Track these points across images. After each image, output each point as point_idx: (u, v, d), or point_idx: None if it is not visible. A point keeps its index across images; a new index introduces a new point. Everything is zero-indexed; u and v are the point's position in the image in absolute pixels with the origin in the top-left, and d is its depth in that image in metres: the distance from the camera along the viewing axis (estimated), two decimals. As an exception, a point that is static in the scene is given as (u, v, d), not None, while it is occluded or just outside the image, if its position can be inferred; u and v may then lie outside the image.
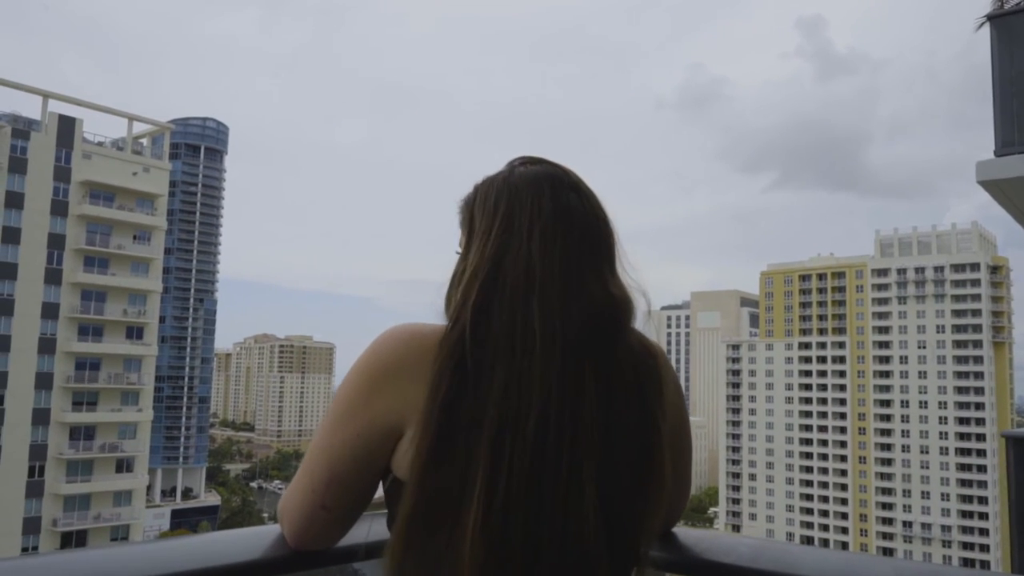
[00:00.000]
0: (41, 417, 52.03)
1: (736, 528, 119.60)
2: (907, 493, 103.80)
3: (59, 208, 53.88)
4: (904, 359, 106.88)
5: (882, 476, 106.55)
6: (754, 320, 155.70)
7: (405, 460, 1.03)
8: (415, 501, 0.98)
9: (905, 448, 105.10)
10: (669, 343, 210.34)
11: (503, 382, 1.00)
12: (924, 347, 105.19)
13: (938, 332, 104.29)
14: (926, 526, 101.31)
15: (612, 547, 1.01)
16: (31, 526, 50.57)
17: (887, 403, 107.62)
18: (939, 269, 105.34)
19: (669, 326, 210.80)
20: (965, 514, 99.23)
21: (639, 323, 1.18)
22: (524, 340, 1.03)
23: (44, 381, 52.37)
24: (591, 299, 1.09)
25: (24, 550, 49.81)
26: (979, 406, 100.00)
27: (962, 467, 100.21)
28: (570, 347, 1.04)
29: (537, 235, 1.10)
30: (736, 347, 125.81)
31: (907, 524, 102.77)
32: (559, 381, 1.02)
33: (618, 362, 1.09)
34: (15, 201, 51.91)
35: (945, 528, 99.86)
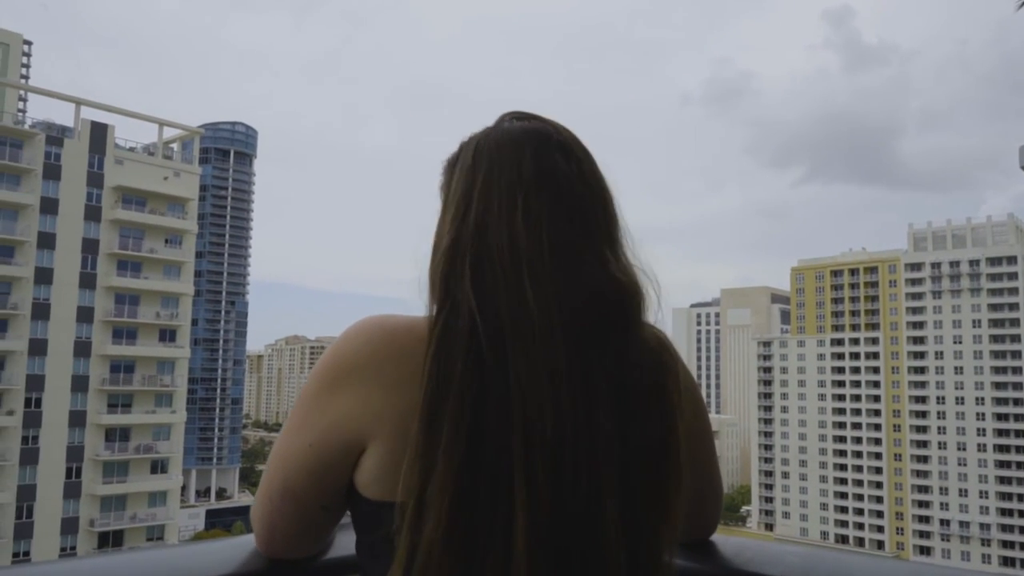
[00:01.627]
0: (78, 419, 52.86)
1: (769, 527, 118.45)
2: (944, 491, 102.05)
3: (92, 213, 54.69)
4: (939, 355, 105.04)
5: (918, 474, 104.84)
6: (785, 317, 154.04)
7: (370, 478, 0.91)
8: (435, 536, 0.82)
9: (942, 445, 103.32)
10: (699, 340, 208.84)
11: (522, 381, 0.87)
12: (960, 342, 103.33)
13: (974, 327, 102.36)
14: (964, 524, 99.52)
15: (635, 562, 0.89)
16: (69, 526, 51.40)
17: (922, 399, 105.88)
18: (974, 263, 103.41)
19: (699, 323, 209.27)
20: (1004, 512, 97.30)
21: (651, 315, 1.03)
22: (526, 328, 0.89)
23: (80, 384, 53.20)
24: (590, 282, 0.94)
25: (63, 550, 50.70)
26: (1017, 402, 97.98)
27: (1001, 464, 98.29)
28: (573, 338, 0.90)
29: (520, 203, 0.95)
30: (767, 344, 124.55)
31: (944, 523, 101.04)
32: (569, 380, 0.88)
33: (630, 358, 0.95)
34: (50, 207, 52.78)
35: (984, 526, 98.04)
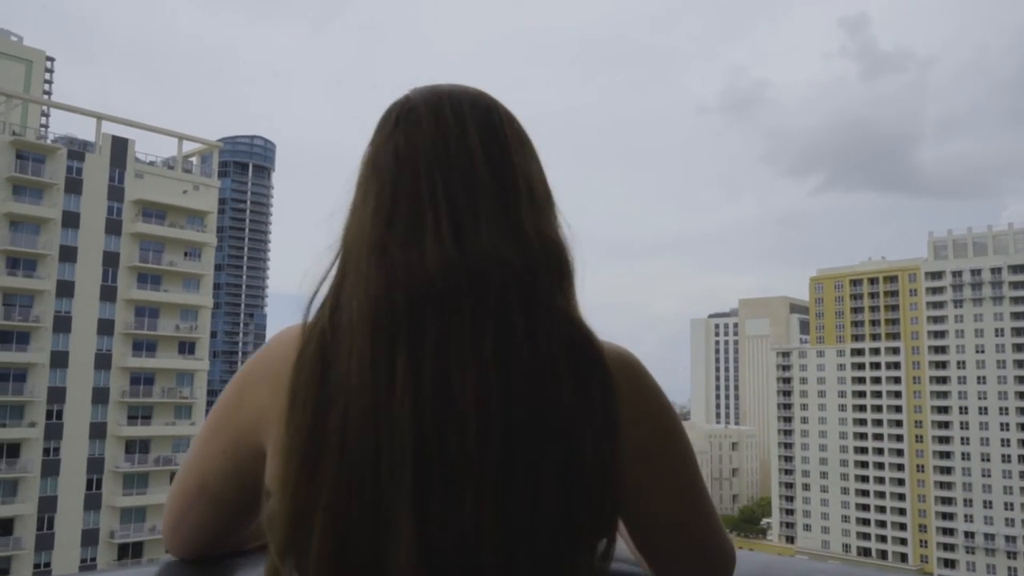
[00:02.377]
0: (98, 431, 53.24)
1: (790, 540, 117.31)
2: (968, 503, 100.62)
3: (113, 227, 55.26)
4: (962, 364, 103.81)
5: (942, 485, 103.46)
6: (804, 327, 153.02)
7: (273, 480, 0.85)
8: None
9: (965, 456, 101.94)
10: (717, 351, 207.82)
11: (355, 375, 0.80)
12: (982, 351, 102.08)
13: (997, 336, 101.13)
14: (989, 536, 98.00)
15: None
16: (90, 538, 51.70)
17: (945, 410, 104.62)
18: (996, 271, 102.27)
19: (717, 334, 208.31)
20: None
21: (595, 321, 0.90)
22: (357, 320, 0.82)
23: (100, 396, 53.62)
24: (450, 255, 0.83)
25: (83, 562, 50.95)
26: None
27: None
28: (417, 328, 0.80)
29: (375, 181, 0.90)
30: (786, 354, 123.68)
31: (969, 535, 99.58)
32: (415, 378, 0.79)
33: (515, 353, 0.80)
34: (71, 221, 53.38)
35: (1009, 539, 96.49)
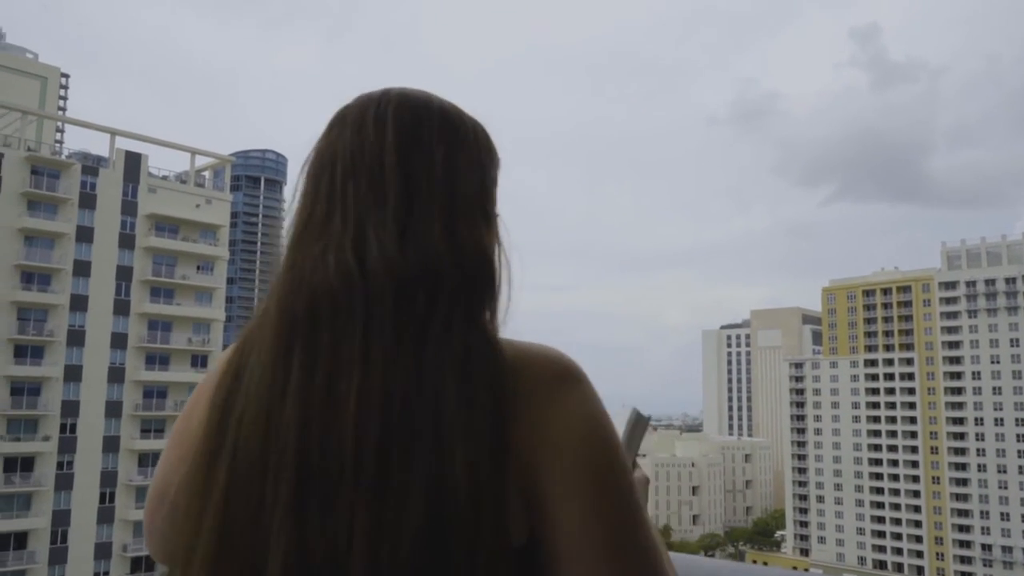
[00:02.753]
0: (111, 445, 53.43)
1: (804, 552, 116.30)
2: (985, 515, 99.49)
3: (126, 241, 55.64)
4: (977, 375, 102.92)
5: (958, 497, 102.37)
6: (817, 338, 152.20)
7: None
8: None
9: (981, 468, 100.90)
10: (729, 363, 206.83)
11: (254, 383, 0.82)
12: (997, 362, 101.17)
13: (1012, 346, 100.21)
14: (1007, 549, 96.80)
15: None
16: (103, 551, 51.79)
17: (960, 421, 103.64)
18: (1011, 280, 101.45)
19: (729, 345, 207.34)
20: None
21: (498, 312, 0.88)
22: (261, 334, 0.85)
23: (114, 409, 53.84)
24: (348, 263, 0.82)
25: (96, 575, 51.06)
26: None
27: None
28: (307, 330, 0.81)
29: (301, 185, 0.93)
30: (799, 365, 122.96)
31: (986, 547, 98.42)
32: (300, 394, 0.79)
33: (407, 361, 0.79)
34: (85, 235, 53.78)
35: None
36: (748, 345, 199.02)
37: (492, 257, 0.88)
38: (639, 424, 1.19)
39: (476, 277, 0.85)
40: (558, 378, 0.81)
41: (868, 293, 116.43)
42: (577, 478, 0.78)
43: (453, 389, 0.77)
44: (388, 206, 0.85)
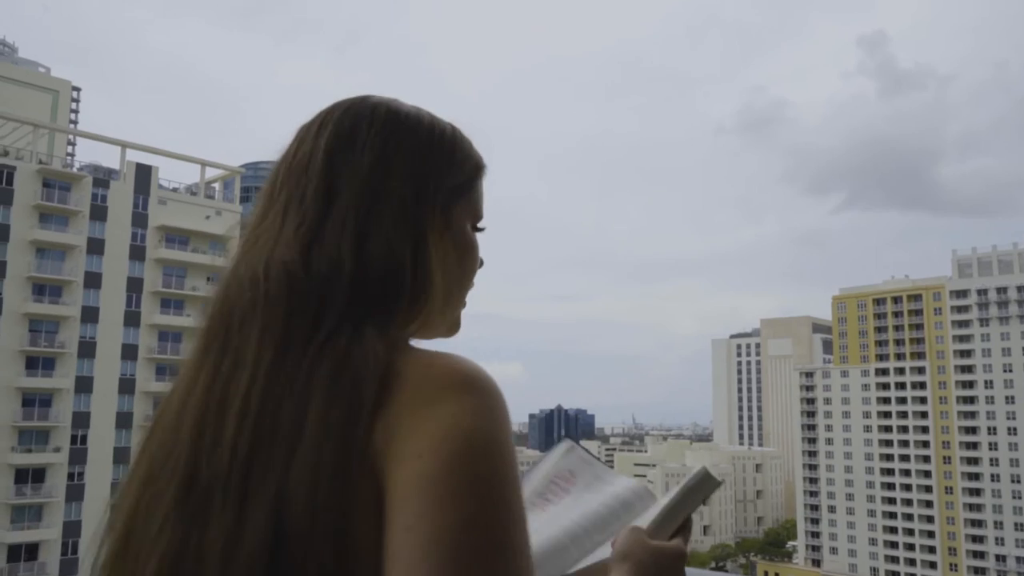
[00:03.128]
0: (122, 456, 53.56)
1: (816, 563, 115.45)
2: (999, 525, 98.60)
3: (137, 253, 55.93)
4: (989, 384, 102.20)
5: (971, 507, 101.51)
6: (827, 346, 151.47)
7: None
8: None
9: (995, 477, 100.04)
10: (739, 372, 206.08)
11: (177, 388, 0.86)
12: (1010, 370, 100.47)
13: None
14: (1021, 560, 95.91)
15: None
16: (113, 563, 51.86)
17: (973, 430, 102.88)
18: (1022, 288, 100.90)
19: (739, 355, 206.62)
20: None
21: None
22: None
23: (124, 420, 54.01)
24: (256, 267, 0.82)
25: (106, 586, 51.07)
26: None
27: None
28: (223, 332, 0.83)
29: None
30: (810, 374, 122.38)
31: (1000, 558, 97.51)
32: (192, 382, 0.82)
33: (284, 367, 0.76)
34: (96, 247, 54.09)
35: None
36: (758, 354, 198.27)
37: (403, 264, 0.83)
38: (704, 484, 1.10)
39: (380, 283, 0.82)
40: (442, 388, 0.73)
41: (879, 301, 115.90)
42: (414, 486, 0.68)
43: (319, 398, 0.74)
44: (306, 210, 0.85)
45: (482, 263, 0.97)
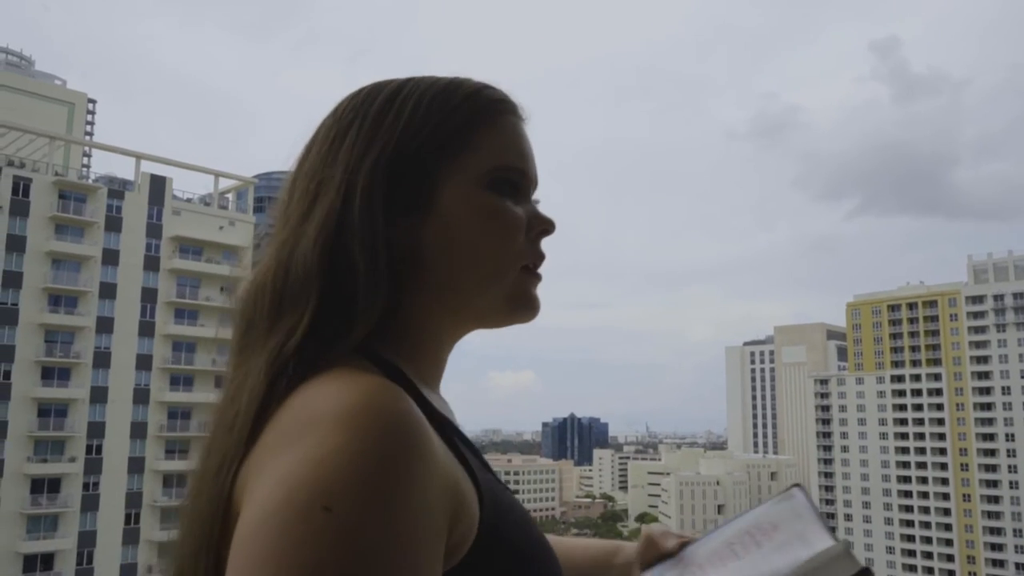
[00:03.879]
0: (136, 466, 53.80)
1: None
2: (1018, 533, 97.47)
3: (151, 263, 56.26)
4: (1006, 390, 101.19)
5: (989, 515, 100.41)
6: (842, 353, 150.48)
7: None
8: None
9: (1013, 484, 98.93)
10: (753, 379, 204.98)
11: None
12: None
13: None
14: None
15: None
16: (128, 573, 52.00)
17: (991, 437, 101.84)
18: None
19: (753, 362, 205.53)
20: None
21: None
22: None
23: (139, 431, 54.24)
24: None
25: (121, 596, 51.26)
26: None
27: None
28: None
29: None
30: (824, 382, 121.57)
31: (1020, 566, 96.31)
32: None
33: (228, 383, 0.80)
34: (111, 258, 54.46)
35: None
36: (772, 361, 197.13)
37: (311, 270, 0.73)
38: (840, 566, 0.92)
39: (291, 294, 0.74)
40: (306, 425, 0.61)
41: (893, 308, 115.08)
42: (236, 542, 0.57)
43: (214, 436, 0.72)
44: (275, 219, 0.82)
45: (548, 225, 0.84)
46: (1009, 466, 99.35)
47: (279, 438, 0.62)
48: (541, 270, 0.84)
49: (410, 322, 0.78)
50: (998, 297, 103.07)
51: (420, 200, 0.77)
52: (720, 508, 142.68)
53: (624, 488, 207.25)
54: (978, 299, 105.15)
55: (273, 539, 0.54)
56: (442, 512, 0.60)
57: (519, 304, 0.82)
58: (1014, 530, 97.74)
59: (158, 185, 57.63)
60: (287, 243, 0.76)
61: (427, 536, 0.57)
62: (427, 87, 0.82)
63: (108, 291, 53.99)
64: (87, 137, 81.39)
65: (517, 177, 0.81)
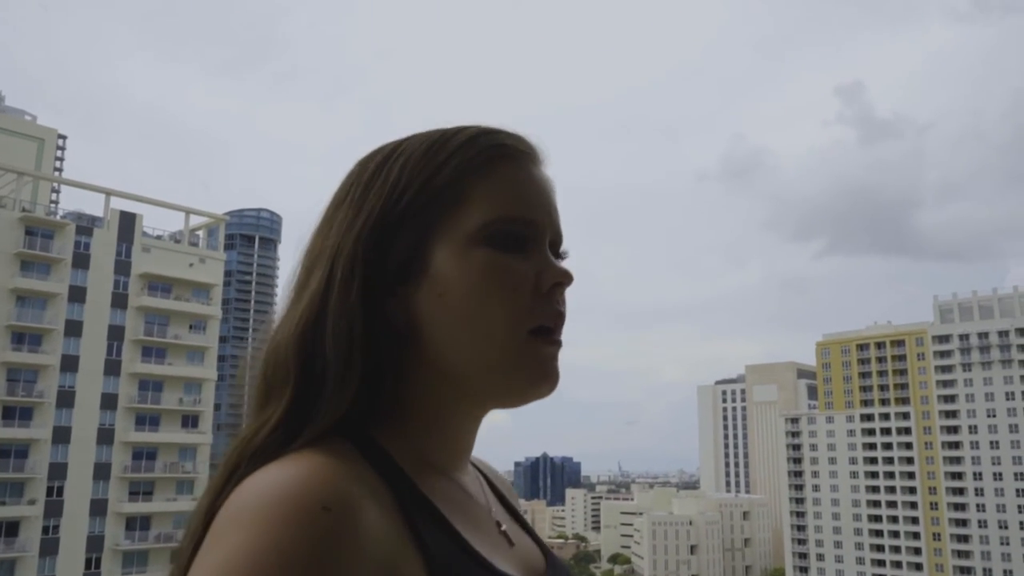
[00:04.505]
0: (98, 508, 52.47)
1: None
2: (988, 572, 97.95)
3: (119, 301, 55.49)
4: (973, 429, 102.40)
5: (959, 554, 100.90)
6: (812, 392, 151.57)
7: None
8: None
9: (982, 523, 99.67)
10: (725, 418, 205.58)
11: None
12: (994, 415, 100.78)
13: (1008, 399, 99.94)
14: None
15: None
16: (87, 619, 50.43)
17: (959, 475, 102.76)
18: (1003, 334, 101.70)
19: (724, 400, 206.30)
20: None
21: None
22: None
23: (102, 472, 53.01)
24: None
25: (80, 644, 49.61)
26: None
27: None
28: None
29: None
30: (795, 420, 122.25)
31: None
32: None
33: None
34: (78, 295, 53.65)
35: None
36: (743, 400, 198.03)
37: (289, 361, 0.69)
38: None
39: (274, 385, 0.70)
40: (225, 523, 0.59)
41: (862, 347, 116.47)
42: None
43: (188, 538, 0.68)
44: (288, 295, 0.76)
45: (562, 277, 0.74)
46: (977, 504, 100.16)
47: (208, 536, 0.60)
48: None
49: (413, 401, 0.73)
50: (963, 337, 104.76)
51: (414, 266, 0.71)
52: (693, 548, 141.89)
53: (597, 528, 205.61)
54: (944, 339, 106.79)
55: None
56: None
57: (534, 372, 0.72)
58: (983, 569, 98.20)
59: (128, 222, 57.11)
60: (279, 329, 0.73)
61: None
62: (419, 142, 0.76)
63: (74, 329, 53.09)
64: (56, 173, 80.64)
65: (520, 228, 0.72)
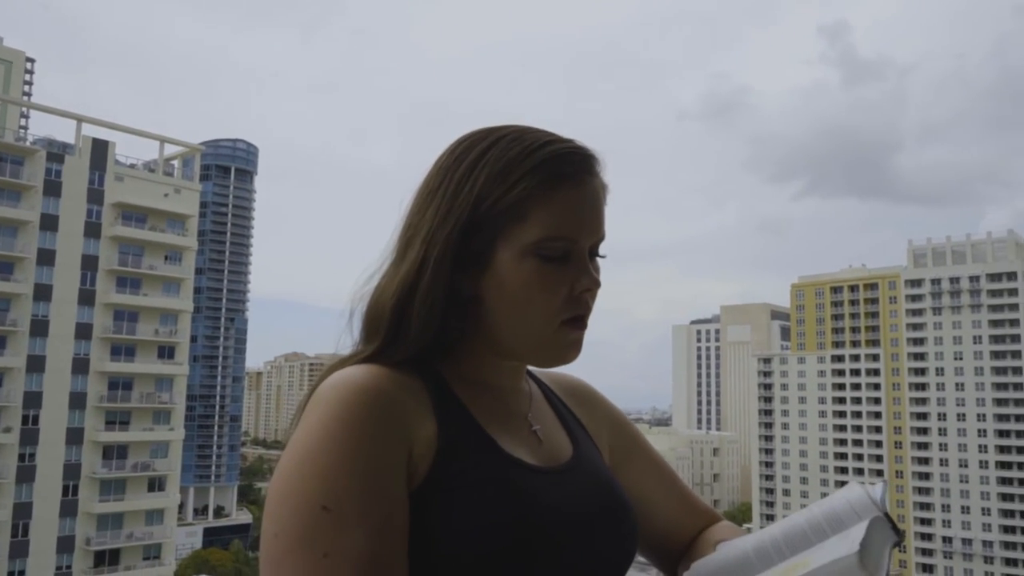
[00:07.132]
0: (75, 437, 52.62)
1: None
2: (946, 508, 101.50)
3: (92, 230, 54.70)
4: (940, 371, 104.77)
5: (920, 491, 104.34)
6: (785, 333, 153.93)
7: None
8: None
9: (943, 462, 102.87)
10: (699, 357, 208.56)
11: None
12: (961, 358, 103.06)
13: (975, 343, 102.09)
14: (967, 542, 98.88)
15: None
16: (65, 545, 51.06)
17: (924, 416, 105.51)
18: (975, 279, 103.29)
19: (699, 340, 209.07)
20: (1007, 529, 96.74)
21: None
22: None
23: (78, 401, 53.02)
24: None
25: (59, 569, 50.31)
26: (1019, 418, 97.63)
27: (1003, 480, 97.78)
28: None
29: None
30: (767, 361, 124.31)
31: (947, 540, 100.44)
32: None
33: None
34: (50, 224, 52.80)
35: (987, 544, 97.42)
36: (718, 340, 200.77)
37: (387, 314, 0.96)
38: (877, 536, 0.87)
39: (372, 328, 0.97)
40: (304, 412, 0.88)
41: (836, 290, 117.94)
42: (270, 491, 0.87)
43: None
44: (395, 238, 1.02)
45: (592, 284, 0.97)
46: (940, 444, 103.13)
47: (300, 418, 0.88)
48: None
49: (473, 347, 0.99)
50: (935, 281, 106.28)
51: (483, 258, 0.95)
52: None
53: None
54: (916, 283, 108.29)
55: (279, 496, 0.84)
56: (395, 451, 0.84)
57: (556, 353, 0.99)
58: (942, 505, 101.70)
59: (100, 149, 55.92)
60: (382, 288, 0.98)
61: (377, 465, 0.82)
62: (502, 153, 0.96)
63: (46, 257, 52.38)
64: (25, 98, 78.46)
65: (566, 244, 0.95)
